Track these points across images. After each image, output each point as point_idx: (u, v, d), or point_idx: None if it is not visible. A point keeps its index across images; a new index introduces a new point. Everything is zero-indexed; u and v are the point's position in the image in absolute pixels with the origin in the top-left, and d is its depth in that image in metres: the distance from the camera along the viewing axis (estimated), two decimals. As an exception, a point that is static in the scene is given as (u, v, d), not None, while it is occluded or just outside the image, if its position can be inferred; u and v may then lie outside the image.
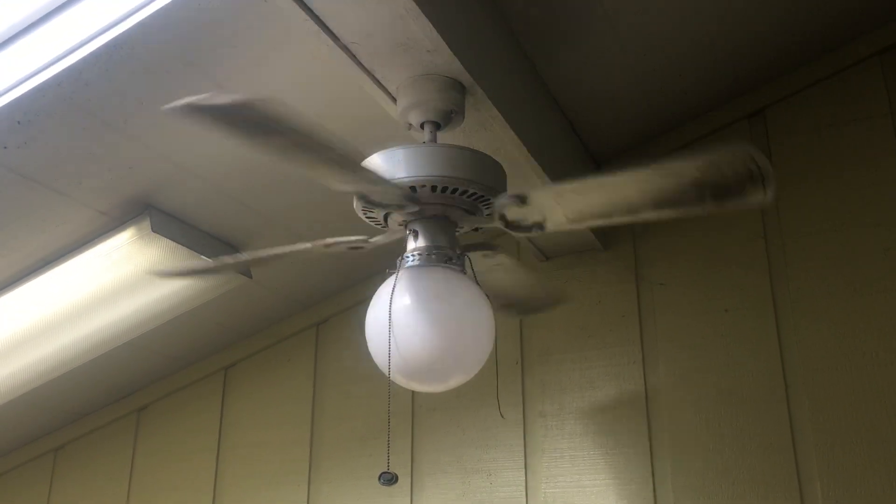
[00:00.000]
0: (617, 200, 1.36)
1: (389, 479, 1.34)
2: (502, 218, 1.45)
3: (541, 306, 1.93)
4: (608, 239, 2.32)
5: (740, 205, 1.27)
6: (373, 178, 1.34)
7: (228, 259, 1.62)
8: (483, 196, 1.45)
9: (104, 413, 2.85)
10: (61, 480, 2.85)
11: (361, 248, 1.51)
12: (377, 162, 1.44)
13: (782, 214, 2.16)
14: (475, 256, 1.57)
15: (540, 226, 1.44)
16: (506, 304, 1.83)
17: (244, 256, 1.61)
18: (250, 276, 2.25)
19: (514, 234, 1.50)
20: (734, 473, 2.03)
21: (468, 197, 1.45)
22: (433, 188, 1.42)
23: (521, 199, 1.40)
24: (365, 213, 1.51)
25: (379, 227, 1.53)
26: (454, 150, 1.45)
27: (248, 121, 1.07)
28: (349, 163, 1.25)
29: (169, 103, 1.70)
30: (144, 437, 2.79)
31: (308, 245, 1.50)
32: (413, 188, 1.42)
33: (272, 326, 2.69)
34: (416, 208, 1.44)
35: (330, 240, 1.50)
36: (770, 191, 1.23)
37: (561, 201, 1.38)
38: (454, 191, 1.43)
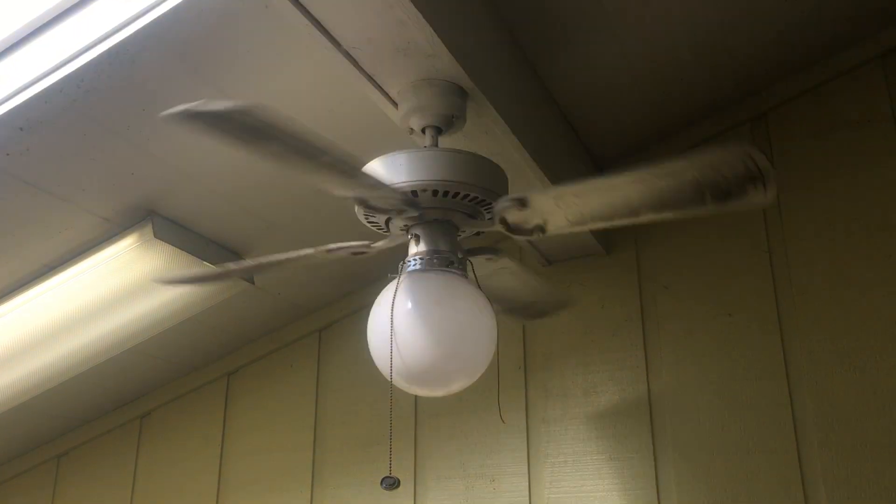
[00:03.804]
0: (617, 202, 1.36)
1: (392, 483, 1.34)
2: (503, 221, 1.44)
3: (547, 310, 1.91)
4: (611, 243, 2.32)
5: (740, 205, 1.26)
6: (372, 182, 1.34)
7: (232, 265, 1.62)
8: (484, 200, 1.45)
9: (107, 419, 2.85)
10: (65, 486, 2.85)
11: (364, 253, 1.51)
12: (378, 167, 1.44)
13: (785, 218, 2.15)
14: (478, 261, 1.56)
15: (541, 228, 1.43)
16: (511, 309, 1.82)
17: (248, 263, 1.61)
18: (252, 283, 2.26)
19: (515, 237, 1.50)
20: (738, 478, 2.02)
21: (469, 201, 1.45)
22: (434, 192, 1.42)
23: (522, 202, 1.39)
24: (367, 218, 1.51)
25: (381, 231, 1.53)
26: (455, 154, 1.45)
27: (245, 127, 1.08)
28: (348, 168, 1.25)
29: (170, 109, 1.71)
30: (147, 443, 2.79)
31: (311, 251, 1.50)
32: (414, 192, 1.42)
33: (275, 332, 2.69)
34: (416, 213, 1.44)
35: (332, 245, 1.50)
36: (770, 191, 1.22)
37: (561, 204, 1.38)
38: (455, 195, 1.43)
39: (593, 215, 1.40)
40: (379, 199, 1.40)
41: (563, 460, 2.20)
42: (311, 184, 1.28)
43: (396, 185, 1.42)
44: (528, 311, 1.87)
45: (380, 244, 1.52)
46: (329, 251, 1.50)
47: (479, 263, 1.57)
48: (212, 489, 2.62)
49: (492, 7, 1.71)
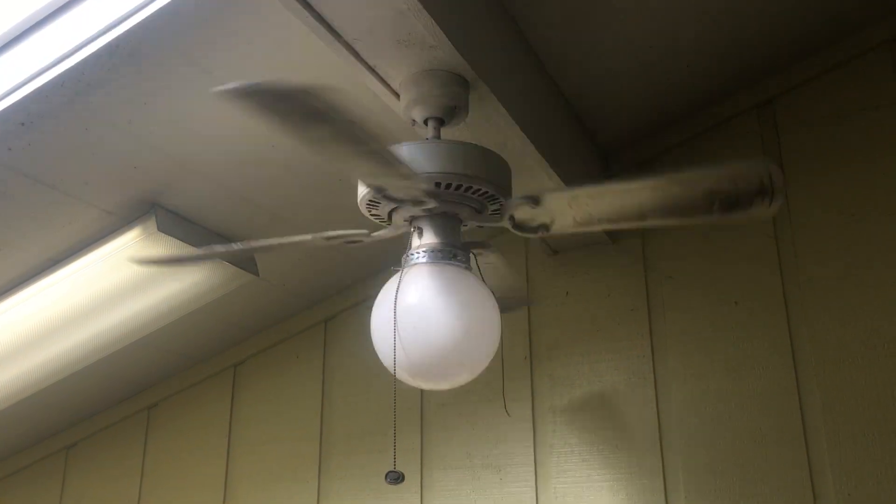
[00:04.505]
0: (628, 206, 1.38)
1: (396, 477, 1.33)
2: (511, 218, 1.45)
3: (509, 307, 1.88)
4: (616, 232, 2.30)
5: (744, 217, 1.31)
6: (404, 171, 1.32)
7: (219, 248, 1.61)
8: (487, 192, 1.44)
9: (115, 411, 2.86)
10: (73, 478, 2.86)
11: (360, 241, 1.51)
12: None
13: (792, 204, 2.14)
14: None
15: (546, 227, 1.45)
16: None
17: (237, 246, 1.60)
18: (257, 274, 2.25)
19: (518, 233, 1.50)
20: (745, 467, 2.01)
21: (478, 195, 1.44)
22: (437, 185, 1.41)
23: (535, 201, 1.41)
24: (370, 210, 1.50)
25: (382, 223, 1.52)
26: (458, 145, 1.44)
27: (298, 109, 1.06)
28: (383, 156, 1.24)
29: (173, 102, 1.71)
30: (155, 435, 2.80)
31: (308, 237, 1.50)
32: (438, 184, 1.41)
33: (281, 323, 2.69)
34: (434, 204, 1.43)
35: (331, 233, 1.49)
36: (775, 204, 1.27)
37: (574, 205, 1.39)
38: (458, 187, 1.42)
39: (601, 217, 1.42)
40: (402, 189, 1.38)
41: (570, 450, 2.20)
42: (341, 168, 1.26)
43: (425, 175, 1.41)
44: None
45: (379, 233, 1.51)
46: (327, 238, 1.49)
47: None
48: (219, 480, 2.63)
49: (494, -4, 1.69)
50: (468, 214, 1.48)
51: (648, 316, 2.22)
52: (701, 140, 2.28)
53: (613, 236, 2.29)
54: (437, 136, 1.51)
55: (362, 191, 1.45)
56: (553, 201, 1.41)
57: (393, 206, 1.46)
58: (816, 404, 1.99)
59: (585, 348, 2.26)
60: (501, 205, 1.46)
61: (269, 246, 1.55)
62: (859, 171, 2.09)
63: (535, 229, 1.46)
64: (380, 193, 1.40)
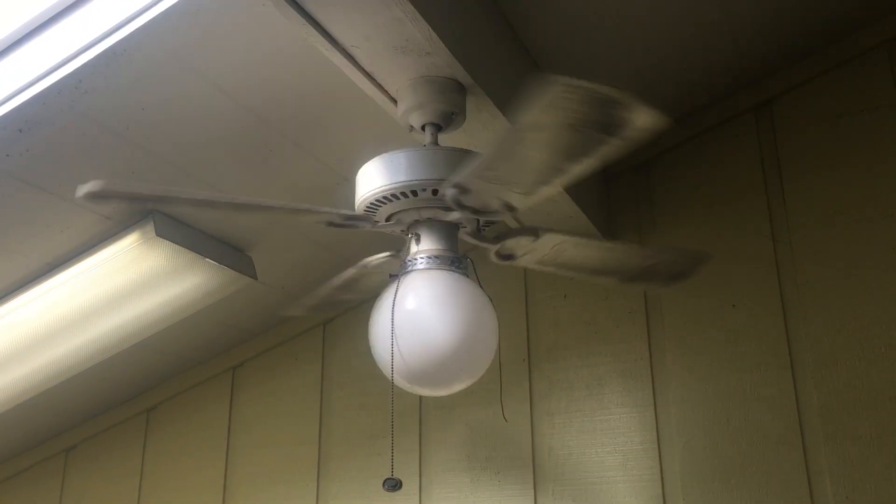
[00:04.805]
0: (583, 261, 1.51)
1: (394, 484, 1.34)
2: (501, 242, 1.47)
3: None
4: (613, 234, 2.30)
5: (648, 289, 1.53)
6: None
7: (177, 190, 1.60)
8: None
9: (114, 414, 2.86)
10: (73, 480, 2.87)
11: (354, 227, 1.49)
12: (378, 165, 1.43)
13: (789, 208, 2.14)
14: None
15: (514, 258, 1.50)
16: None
17: (201, 195, 1.54)
18: (255, 278, 2.25)
19: (494, 258, 1.52)
20: (743, 469, 2.02)
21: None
22: (434, 192, 1.41)
23: (535, 235, 1.44)
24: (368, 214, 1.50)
25: (378, 224, 1.52)
26: (458, 153, 1.43)
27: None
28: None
29: (171, 108, 1.71)
30: (154, 437, 2.80)
31: (304, 206, 1.48)
32: (434, 191, 1.40)
33: (279, 326, 2.69)
34: (507, 218, 1.46)
35: (340, 210, 1.46)
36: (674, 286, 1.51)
37: (558, 247, 1.45)
38: None
39: (565, 264, 1.53)
40: (485, 198, 1.35)
41: (568, 452, 2.20)
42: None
43: (397, 184, 1.41)
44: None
45: (381, 225, 1.51)
46: (339, 215, 1.47)
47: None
48: (218, 482, 2.63)
49: (491, 2, 1.69)
50: (467, 224, 1.48)
51: (646, 318, 2.22)
52: (701, 140, 2.28)
53: (610, 237, 2.29)
54: (435, 142, 1.51)
55: (374, 187, 1.42)
56: (545, 240, 1.45)
57: (404, 207, 1.45)
58: (814, 406, 1.99)
59: (584, 350, 2.26)
60: (496, 218, 1.45)
61: (231, 203, 1.52)
62: (858, 172, 2.09)
63: (505, 257, 1.49)
64: (461, 194, 1.35)
